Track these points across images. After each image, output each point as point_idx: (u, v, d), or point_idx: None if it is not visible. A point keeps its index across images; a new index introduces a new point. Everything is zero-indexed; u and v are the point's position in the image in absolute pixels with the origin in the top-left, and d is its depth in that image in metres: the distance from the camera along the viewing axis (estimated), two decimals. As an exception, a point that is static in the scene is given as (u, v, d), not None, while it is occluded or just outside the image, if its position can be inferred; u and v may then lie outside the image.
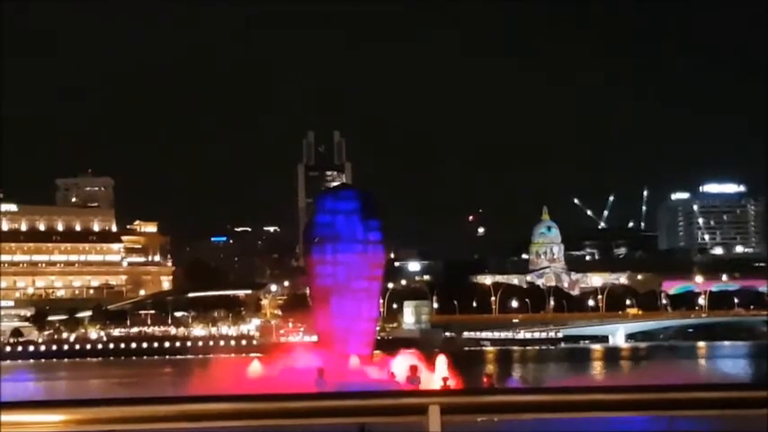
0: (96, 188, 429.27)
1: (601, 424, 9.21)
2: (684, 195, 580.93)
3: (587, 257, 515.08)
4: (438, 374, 68.88)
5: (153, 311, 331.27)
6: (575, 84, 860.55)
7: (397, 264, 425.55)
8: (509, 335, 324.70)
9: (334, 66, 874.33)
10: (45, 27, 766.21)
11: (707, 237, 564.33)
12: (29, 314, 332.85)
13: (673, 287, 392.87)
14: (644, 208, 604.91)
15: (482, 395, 9.20)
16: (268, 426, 8.62)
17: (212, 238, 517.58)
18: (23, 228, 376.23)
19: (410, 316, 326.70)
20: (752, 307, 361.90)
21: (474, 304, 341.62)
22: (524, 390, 9.38)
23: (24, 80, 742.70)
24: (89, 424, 8.60)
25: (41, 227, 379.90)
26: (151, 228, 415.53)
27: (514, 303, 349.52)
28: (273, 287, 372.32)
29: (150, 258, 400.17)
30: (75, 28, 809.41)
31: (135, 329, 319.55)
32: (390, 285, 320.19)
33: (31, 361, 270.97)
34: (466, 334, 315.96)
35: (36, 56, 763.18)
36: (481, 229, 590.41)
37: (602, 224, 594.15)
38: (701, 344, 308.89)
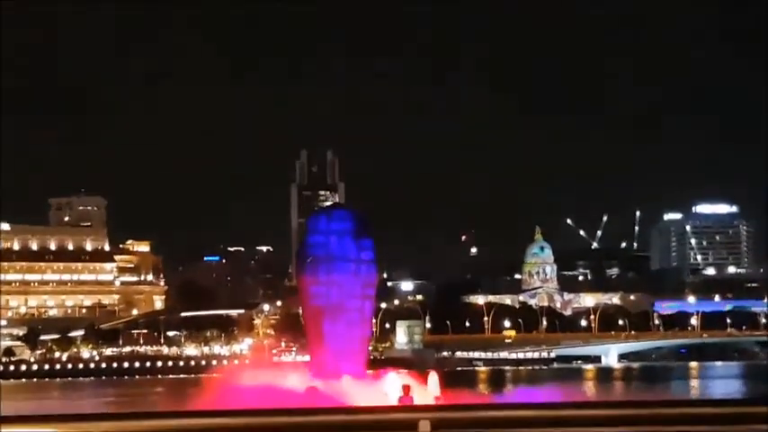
0: (89, 207, 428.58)
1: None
2: (677, 216, 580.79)
3: (580, 278, 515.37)
4: (430, 393, 68.76)
5: (145, 331, 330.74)
6: (567, 104, 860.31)
7: (389, 284, 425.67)
8: (502, 355, 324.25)
9: (329, 84, 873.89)
10: (43, 40, 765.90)
11: (699, 257, 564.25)
12: (21, 333, 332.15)
13: (665, 307, 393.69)
14: (636, 228, 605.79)
15: (472, 410, 9.21)
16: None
17: (205, 258, 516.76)
18: (16, 247, 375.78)
19: (403, 336, 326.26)
20: (744, 327, 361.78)
21: (467, 324, 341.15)
22: (515, 405, 9.38)
23: (17, 97, 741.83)
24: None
25: (34, 246, 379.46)
26: (144, 247, 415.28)
27: (507, 323, 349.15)
28: (266, 307, 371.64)
29: (143, 278, 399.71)
30: (71, 42, 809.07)
31: (127, 349, 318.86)
32: (383, 305, 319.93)
33: (24, 380, 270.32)
34: (458, 354, 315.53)
35: (31, 73, 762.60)
36: (474, 249, 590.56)
37: (595, 244, 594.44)
38: (694, 364, 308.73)
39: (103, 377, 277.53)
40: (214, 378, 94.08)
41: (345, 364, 74.20)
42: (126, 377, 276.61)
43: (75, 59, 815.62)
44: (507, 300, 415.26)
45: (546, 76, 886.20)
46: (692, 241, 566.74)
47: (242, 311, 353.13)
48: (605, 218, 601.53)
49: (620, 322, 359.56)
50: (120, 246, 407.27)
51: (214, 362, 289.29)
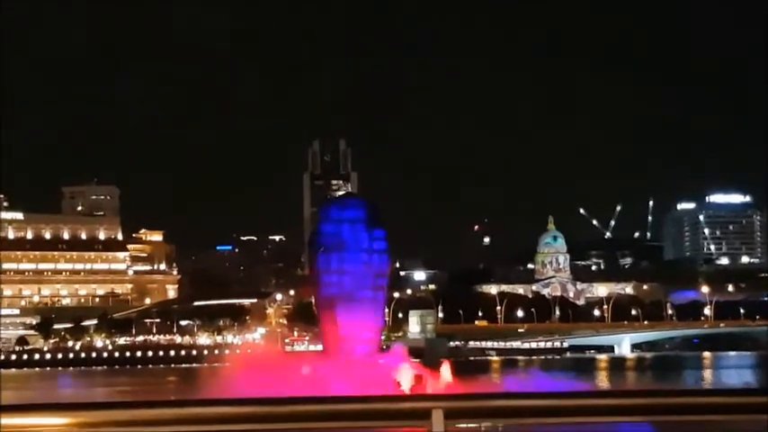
0: (102, 197, 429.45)
1: (605, 428, 9.15)
2: (690, 205, 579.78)
3: (593, 267, 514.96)
4: (443, 383, 68.80)
5: (158, 320, 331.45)
6: (578, 94, 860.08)
7: (402, 273, 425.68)
8: (514, 344, 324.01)
9: (340, 74, 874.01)
10: (54, 32, 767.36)
11: (713, 247, 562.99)
12: (34, 322, 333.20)
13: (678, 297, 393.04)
14: (650, 218, 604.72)
15: (486, 399, 9.14)
16: (270, 429, 8.57)
17: (218, 247, 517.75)
18: (29, 236, 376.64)
19: (415, 325, 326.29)
20: (757, 317, 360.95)
21: (479, 314, 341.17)
22: (529, 394, 9.31)
23: (29, 86, 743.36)
24: (91, 427, 8.56)
25: (47, 235, 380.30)
26: (157, 236, 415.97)
27: (520, 313, 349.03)
28: (279, 296, 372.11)
29: (156, 267, 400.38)
30: (81, 32, 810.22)
31: (140, 338, 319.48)
32: (396, 295, 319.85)
33: (37, 369, 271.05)
34: (471, 343, 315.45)
35: (42, 62, 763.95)
36: (487, 239, 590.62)
37: (608, 234, 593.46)
38: (707, 354, 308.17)
39: (116, 366, 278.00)
40: (225, 367, 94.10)
41: (358, 353, 74.24)
42: (139, 366, 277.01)
43: (86, 51, 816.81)
44: (520, 289, 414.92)
45: (558, 66, 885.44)
46: (706, 231, 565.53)
47: (254, 300, 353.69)
48: (618, 207, 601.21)
49: (633, 312, 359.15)
50: (133, 235, 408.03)
51: (227, 351, 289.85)
